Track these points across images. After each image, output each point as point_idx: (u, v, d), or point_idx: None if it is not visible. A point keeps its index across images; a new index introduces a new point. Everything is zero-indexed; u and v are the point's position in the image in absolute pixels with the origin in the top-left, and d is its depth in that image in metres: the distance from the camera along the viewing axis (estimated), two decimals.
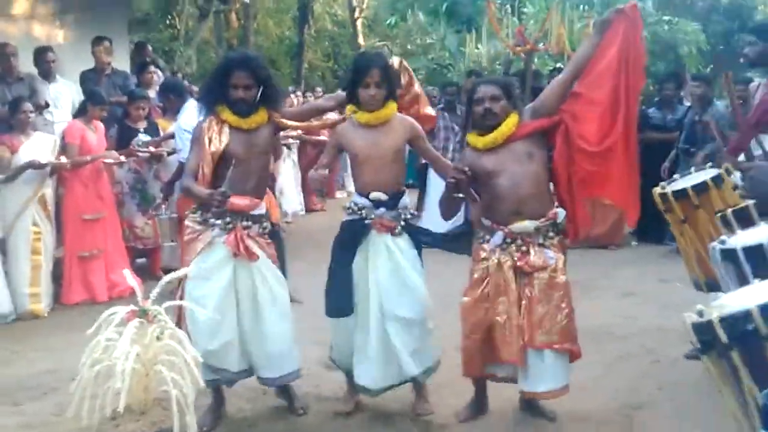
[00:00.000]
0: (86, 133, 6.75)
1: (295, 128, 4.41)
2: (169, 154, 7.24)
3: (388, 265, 4.03)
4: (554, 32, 10.17)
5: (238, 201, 3.94)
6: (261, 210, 4.13)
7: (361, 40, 21.24)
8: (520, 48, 10.53)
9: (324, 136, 11.01)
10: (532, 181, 3.78)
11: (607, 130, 3.78)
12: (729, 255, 3.21)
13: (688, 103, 8.51)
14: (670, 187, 4.69)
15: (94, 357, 3.25)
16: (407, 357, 4.02)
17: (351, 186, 12.69)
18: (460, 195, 3.84)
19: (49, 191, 6.59)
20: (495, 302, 3.83)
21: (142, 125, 7.32)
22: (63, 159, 6.51)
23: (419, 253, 4.15)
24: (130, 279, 3.62)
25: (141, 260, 7.70)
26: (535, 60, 11.10)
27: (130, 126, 7.30)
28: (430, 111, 4.64)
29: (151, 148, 7.17)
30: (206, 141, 3.98)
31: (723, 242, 3.29)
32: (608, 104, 3.76)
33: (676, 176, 5.04)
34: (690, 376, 4.48)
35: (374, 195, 4.04)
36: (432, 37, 18.24)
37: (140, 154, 7.12)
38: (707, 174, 4.65)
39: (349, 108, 4.11)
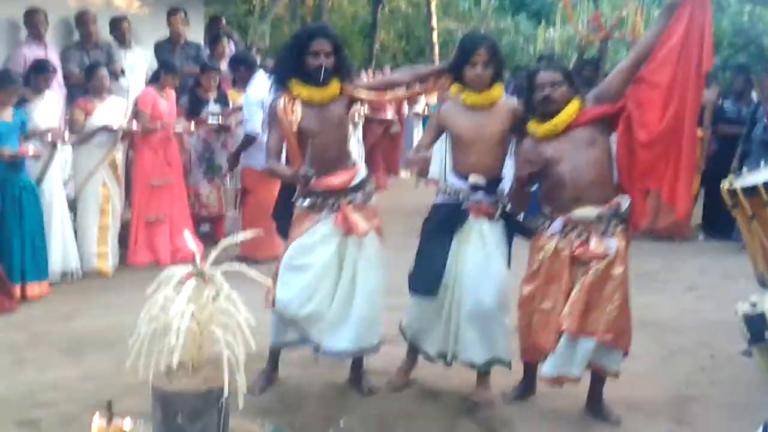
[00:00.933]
0: (158, 101, 6.91)
1: (370, 100, 4.35)
2: (237, 125, 7.38)
3: (477, 254, 3.93)
4: (631, 19, 9.95)
5: (334, 180, 3.96)
6: (359, 177, 4.09)
7: (434, 21, 21.13)
8: (594, 35, 10.37)
9: (389, 115, 11.04)
10: (593, 167, 3.68)
11: (664, 116, 3.67)
12: None
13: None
14: (739, 183, 4.55)
15: (151, 314, 3.34)
16: (475, 343, 3.96)
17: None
18: (532, 189, 3.78)
19: (119, 155, 6.78)
20: (545, 289, 3.76)
21: (212, 95, 7.46)
22: (135, 124, 6.68)
23: (510, 242, 4.06)
24: (191, 241, 3.70)
25: (205, 227, 7.88)
26: (609, 46, 10.90)
27: (200, 96, 7.45)
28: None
29: (220, 119, 7.30)
30: (285, 120, 3.94)
31: None
32: (668, 87, 3.64)
33: (744, 169, 4.90)
34: (745, 373, 4.41)
35: (474, 178, 3.92)
36: (507, 21, 18.06)
37: (210, 123, 7.25)
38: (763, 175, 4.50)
39: (454, 87, 4.01)
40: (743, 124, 7.94)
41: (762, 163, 4.82)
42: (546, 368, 3.77)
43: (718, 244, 7.92)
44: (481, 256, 3.92)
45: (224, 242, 3.68)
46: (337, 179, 3.98)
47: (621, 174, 3.77)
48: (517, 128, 3.97)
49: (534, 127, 3.77)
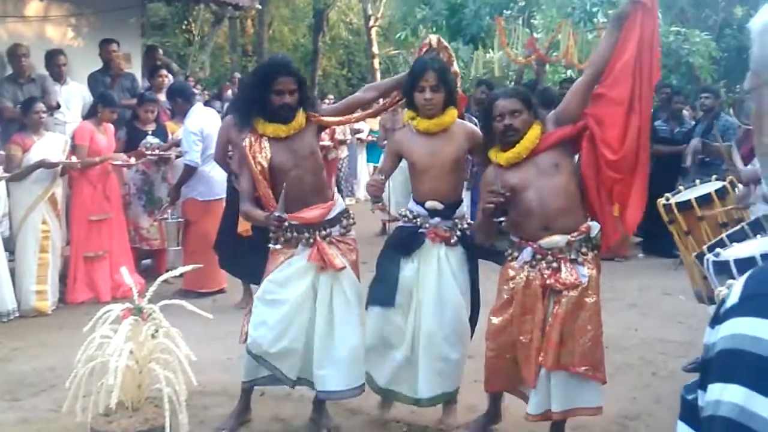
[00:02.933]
0: (96, 135, 6.80)
1: (336, 124, 4.28)
2: (177, 157, 7.30)
3: (435, 279, 3.89)
4: (564, 44, 10.17)
5: (309, 215, 3.88)
6: (336, 210, 4.01)
7: (375, 48, 21.31)
8: (528, 57, 10.56)
9: (326, 141, 11.06)
10: (560, 193, 3.55)
11: (627, 132, 3.56)
12: (722, 267, 3.21)
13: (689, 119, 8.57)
14: (674, 199, 4.67)
15: (88, 354, 3.28)
16: (428, 376, 3.91)
17: (359, 192, 12.86)
18: (501, 219, 3.61)
19: (59, 191, 6.65)
20: (521, 321, 3.61)
21: (150, 127, 7.37)
22: (74, 159, 6.57)
23: (475, 265, 4.02)
24: (128, 277, 3.66)
25: (147, 261, 7.76)
26: (546, 69, 11.12)
27: (139, 128, 7.35)
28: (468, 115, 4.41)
29: (159, 151, 7.22)
30: (252, 162, 3.85)
31: (717, 255, 3.30)
32: (628, 103, 3.53)
33: (680, 188, 5.02)
34: None
35: (430, 204, 3.90)
36: None
37: (149, 156, 7.17)
38: (712, 186, 4.63)
39: (407, 114, 3.98)
40: (676, 144, 8.14)
41: (697, 181, 4.95)
42: (531, 406, 3.63)
43: (657, 261, 8.09)
44: (437, 287, 3.88)
45: (163, 277, 3.64)
46: (311, 213, 3.89)
47: (589, 194, 3.64)
48: (476, 152, 3.95)
49: (496, 156, 3.67)
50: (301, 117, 3.91)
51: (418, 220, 3.94)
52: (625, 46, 3.52)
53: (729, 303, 0.94)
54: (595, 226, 3.62)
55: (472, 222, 3.99)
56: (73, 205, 6.84)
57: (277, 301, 3.88)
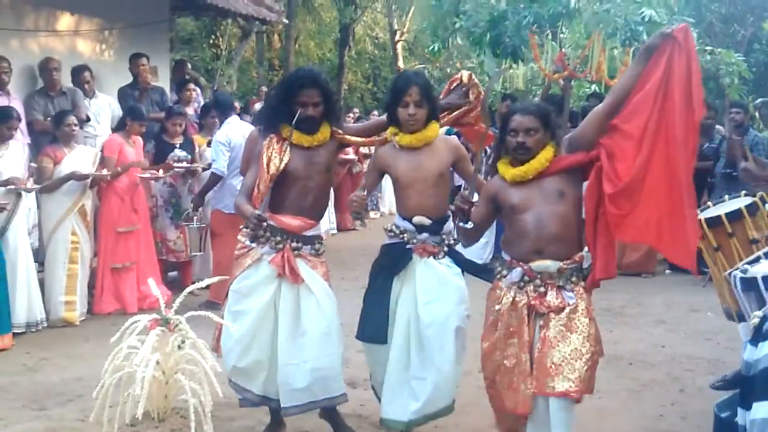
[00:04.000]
0: (124, 147, 6.88)
1: (360, 144, 4.28)
2: (204, 169, 7.38)
3: (427, 283, 3.84)
4: (595, 59, 10.11)
5: (288, 221, 3.87)
6: (315, 231, 4.00)
7: (401, 62, 21.37)
8: (558, 74, 10.52)
9: (351, 155, 11.14)
10: (558, 221, 3.41)
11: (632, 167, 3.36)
12: (750, 284, 3.17)
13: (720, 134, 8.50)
14: (703, 215, 4.61)
15: (115, 364, 3.31)
16: (422, 387, 3.80)
17: (384, 207, 12.89)
18: (466, 224, 3.51)
19: (89, 202, 6.72)
20: (505, 344, 3.46)
21: (178, 140, 7.45)
22: (104, 171, 6.66)
23: (461, 275, 3.95)
24: (155, 288, 3.69)
25: (173, 273, 7.82)
26: (572, 83, 11.06)
27: (166, 141, 7.44)
28: (484, 126, 4.14)
29: (186, 164, 7.29)
30: (265, 160, 3.86)
31: (745, 271, 3.26)
32: (641, 139, 3.33)
33: (708, 203, 4.96)
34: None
35: (417, 219, 3.87)
36: (472, 62, 18.31)
37: (176, 168, 7.24)
38: (741, 202, 4.57)
39: (390, 129, 3.94)
40: (705, 159, 8.08)
41: (726, 196, 4.90)
42: None
43: (684, 277, 7.99)
44: (433, 291, 3.83)
45: (189, 288, 3.67)
46: (292, 221, 3.88)
47: (586, 225, 3.49)
48: (459, 166, 3.96)
49: (504, 170, 3.55)
50: (325, 130, 3.93)
51: (405, 235, 3.90)
52: (648, 79, 3.35)
53: None
54: (588, 257, 3.49)
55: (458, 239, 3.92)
56: (101, 216, 6.91)
57: (241, 312, 3.86)
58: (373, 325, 3.89)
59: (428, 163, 3.87)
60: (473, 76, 4.12)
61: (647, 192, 3.33)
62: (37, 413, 4.52)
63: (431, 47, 12.72)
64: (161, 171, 7.13)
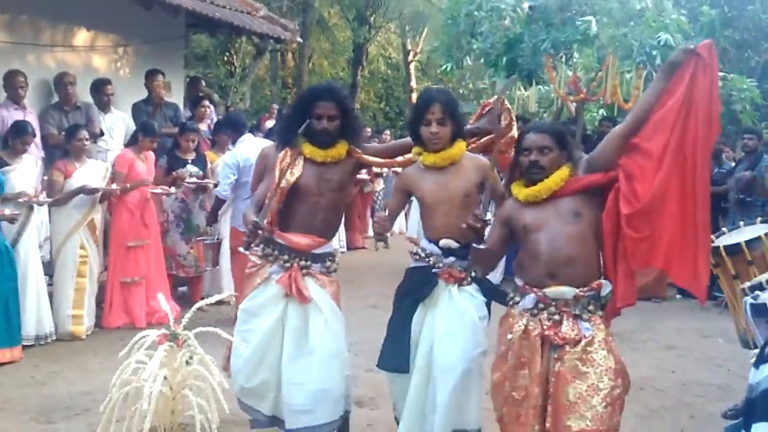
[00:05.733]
0: (135, 163, 6.91)
1: (379, 165, 4.17)
2: (215, 185, 7.41)
3: (447, 314, 3.66)
4: (609, 82, 10.11)
5: (296, 240, 3.82)
6: (326, 248, 3.94)
7: (413, 83, 21.45)
8: (573, 98, 10.53)
9: (363, 174, 11.13)
10: (574, 243, 3.24)
11: (651, 188, 3.23)
12: (761, 310, 3.14)
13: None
14: (720, 241, 4.54)
15: (123, 378, 3.30)
16: (444, 414, 3.59)
17: (395, 226, 12.85)
18: (480, 246, 3.39)
19: (98, 216, 6.74)
20: (514, 375, 3.28)
21: (190, 156, 7.49)
22: (114, 186, 6.68)
23: (488, 306, 3.76)
24: (164, 303, 3.69)
25: (182, 288, 7.83)
26: (584, 107, 11.07)
27: (179, 156, 7.47)
28: None
29: (197, 179, 7.33)
30: (277, 173, 3.82)
31: (756, 297, 3.23)
32: (662, 159, 3.20)
33: (723, 229, 4.89)
34: None
35: (444, 242, 3.69)
36: (484, 83, 18.35)
37: (186, 183, 7.27)
38: (761, 229, 4.51)
39: (415, 149, 3.81)
40: (715, 185, 8.05)
41: (741, 222, 4.85)
42: None
43: (694, 302, 7.94)
44: (451, 316, 3.66)
45: (198, 304, 3.67)
46: (300, 240, 3.82)
47: (604, 251, 3.32)
48: (487, 186, 3.68)
49: (517, 191, 3.42)
50: (341, 147, 3.87)
51: (431, 259, 3.73)
52: (670, 97, 3.22)
53: None
54: (607, 285, 3.29)
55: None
56: (111, 230, 6.94)
57: (249, 332, 3.84)
58: (396, 355, 3.74)
59: (454, 183, 3.72)
60: (505, 102, 3.98)
61: (665, 214, 3.21)
62: (45, 426, 4.53)
63: (444, 67, 12.73)
64: (173, 188, 7.17)
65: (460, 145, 3.74)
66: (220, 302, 5.89)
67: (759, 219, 4.73)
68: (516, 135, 3.88)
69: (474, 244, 3.39)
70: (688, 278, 3.24)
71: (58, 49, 8.14)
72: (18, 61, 7.42)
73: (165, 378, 3.22)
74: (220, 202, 6.84)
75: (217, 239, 7.12)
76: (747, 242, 4.31)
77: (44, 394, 5.12)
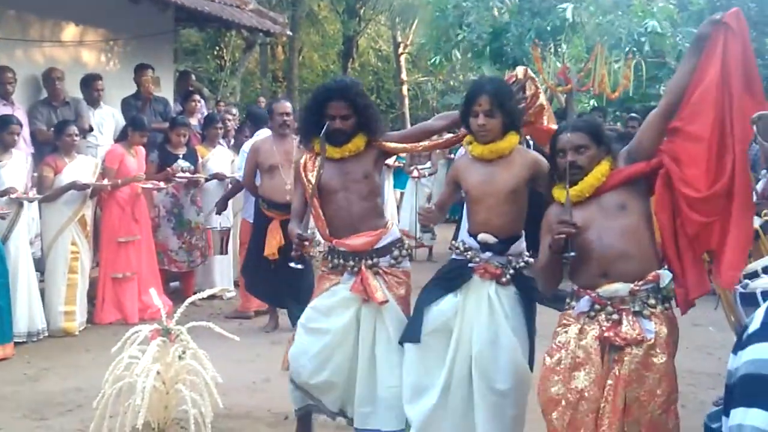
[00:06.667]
0: (125, 158, 6.89)
1: (402, 151, 4.16)
2: (207, 180, 7.43)
3: (486, 319, 3.52)
4: (598, 72, 10.13)
5: (352, 242, 3.76)
6: (387, 239, 3.83)
7: (404, 75, 21.43)
8: (562, 88, 10.55)
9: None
10: (624, 236, 3.11)
11: (716, 171, 3.04)
12: (750, 299, 3.15)
13: None
14: None
15: (116, 374, 3.30)
16: (485, 426, 3.49)
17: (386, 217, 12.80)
18: (570, 254, 3.11)
19: (89, 212, 6.73)
20: (570, 376, 3.10)
21: (181, 151, 7.47)
22: (105, 182, 6.67)
23: (532, 312, 3.63)
24: (156, 298, 3.69)
25: (175, 284, 7.83)
26: (574, 97, 11.09)
27: (170, 151, 7.45)
28: (554, 126, 3.85)
29: (189, 174, 7.33)
30: (305, 180, 3.82)
31: (745, 286, 3.23)
32: (713, 139, 3.02)
33: None
34: None
35: (482, 237, 3.57)
36: (474, 74, 18.36)
37: (177, 178, 7.26)
38: (756, 221, 4.52)
39: (466, 138, 3.71)
40: None
41: None
42: None
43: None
44: (490, 328, 3.52)
45: (191, 299, 3.68)
46: (357, 240, 3.76)
47: (664, 240, 3.19)
48: (538, 183, 3.58)
49: (559, 194, 3.26)
50: (359, 141, 3.81)
51: (469, 253, 3.61)
52: (705, 73, 3.05)
53: (751, 329, 0.95)
54: (666, 275, 3.12)
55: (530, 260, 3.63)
56: (102, 226, 6.93)
57: (319, 330, 3.80)
58: (411, 325, 3.68)
59: (501, 177, 3.58)
60: (529, 71, 3.84)
61: (734, 198, 3.03)
62: (38, 423, 4.52)
63: (433, 60, 12.74)
64: (162, 183, 7.16)
65: (512, 138, 3.60)
66: (212, 297, 5.94)
67: None
68: (544, 104, 3.83)
69: (564, 254, 3.12)
70: (727, 267, 3.06)
71: (47, 44, 8.10)
72: (6, 57, 7.38)
73: (158, 373, 3.22)
74: (236, 189, 6.95)
75: (226, 228, 7.21)
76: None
77: (37, 390, 5.11)
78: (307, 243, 3.70)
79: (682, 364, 5.58)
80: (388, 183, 13.17)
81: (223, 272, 7.75)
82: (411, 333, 3.66)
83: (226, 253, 7.32)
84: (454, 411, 3.56)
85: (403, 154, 8.61)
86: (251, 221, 6.77)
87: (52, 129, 6.90)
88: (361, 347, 3.77)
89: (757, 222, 4.44)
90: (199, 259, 7.55)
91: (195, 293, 4.07)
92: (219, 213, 7.27)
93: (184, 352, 3.38)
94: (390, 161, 12.69)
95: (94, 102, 7.74)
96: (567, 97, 10.88)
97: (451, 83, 20.10)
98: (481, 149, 3.59)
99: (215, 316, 6.93)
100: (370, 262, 3.76)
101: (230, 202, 7.46)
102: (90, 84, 7.75)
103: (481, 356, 3.48)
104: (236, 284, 7.66)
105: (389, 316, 3.74)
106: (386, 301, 3.70)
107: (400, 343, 3.72)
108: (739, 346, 0.87)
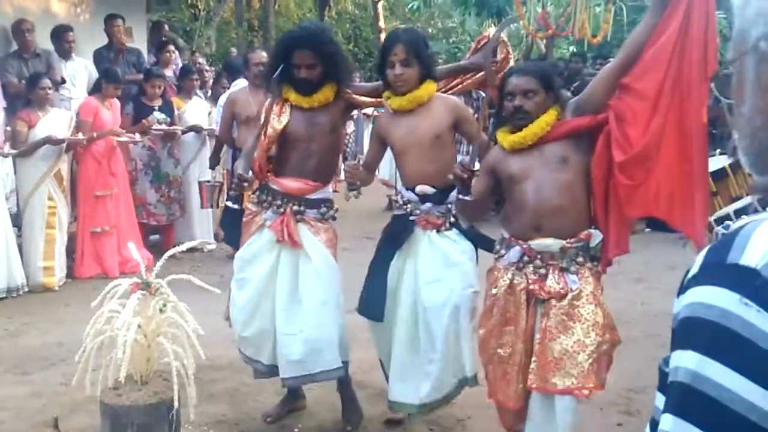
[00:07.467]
0: (100, 111, 6.81)
1: (369, 105, 4.07)
2: (183, 132, 7.35)
3: (430, 262, 3.59)
4: (578, 17, 10.04)
5: (287, 183, 3.73)
6: (322, 194, 3.82)
7: (382, 23, 21.18)
8: (542, 34, 10.45)
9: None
10: (561, 191, 3.07)
11: (646, 132, 2.99)
12: None
13: None
14: None
15: (97, 328, 3.29)
16: (442, 360, 3.56)
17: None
18: (466, 197, 3.20)
19: (65, 167, 6.67)
20: (500, 331, 3.16)
21: (157, 103, 7.39)
22: (80, 135, 6.58)
23: (473, 247, 3.64)
24: (135, 252, 3.67)
25: (155, 237, 7.80)
26: (554, 43, 11.01)
27: (145, 103, 7.37)
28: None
29: (164, 126, 7.25)
30: (268, 120, 3.74)
31: (727, 227, 3.26)
32: (654, 100, 2.96)
33: None
34: None
35: (420, 188, 3.60)
36: (453, 21, 18.17)
37: (153, 131, 7.19)
38: (723, 161, 4.56)
39: (385, 94, 3.68)
40: None
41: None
42: None
43: (662, 235, 8.06)
44: (435, 270, 3.58)
45: (170, 252, 3.65)
46: (294, 184, 3.73)
47: (595, 199, 3.15)
48: (462, 126, 3.66)
49: (502, 138, 3.21)
50: (327, 91, 3.72)
51: (409, 206, 3.65)
52: (663, 31, 2.93)
53: (691, 273, 0.97)
54: (597, 235, 3.12)
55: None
56: (78, 180, 6.87)
57: (244, 281, 3.80)
58: (371, 302, 3.72)
59: (423, 126, 3.59)
60: (502, 35, 3.81)
61: (662, 159, 2.97)
62: (20, 378, 4.54)
63: (411, 6, 12.56)
64: (138, 135, 7.08)
65: (429, 87, 3.61)
66: (192, 249, 5.93)
67: (718, 151, 4.80)
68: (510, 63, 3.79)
69: (460, 195, 3.23)
70: (688, 223, 3.02)
71: None
72: None
73: (139, 326, 3.21)
74: (221, 144, 6.85)
75: (219, 181, 7.13)
76: (711, 173, 4.37)
77: (19, 345, 5.12)
78: (246, 184, 3.70)
79: (659, 307, 5.72)
80: (368, 132, 13.15)
81: (203, 225, 7.73)
82: (373, 310, 3.70)
83: (219, 206, 7.25)
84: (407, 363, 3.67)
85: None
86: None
87: (24, 81, 6.78)
88: (279, 291, 3.72)
89: (725, 161, 4.49)
90: (179, 212, 7.52)
91: (175, 246, 4.05)
92: (212, 168, 7.23)
93: (164, 305, 3.36)
94: (368, 111, 12.67)
95: (65, 54, 7.59)
96: (547, 43, 10.80)
97: (430, 30, 19.88)
98: (399, 101, 3.60)
99: (195, 268, 6.93)
100: (296, 208, 3.73)
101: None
102: (61, 36, 7.58)
103: (427, 291, 3.56)
104: (216, 237, 7.64)
105: (315, 253, 3.70)
106: (300, 246, 3.67)
107: (360, 313, 3.77)
108: (682, 290, 0.89)
